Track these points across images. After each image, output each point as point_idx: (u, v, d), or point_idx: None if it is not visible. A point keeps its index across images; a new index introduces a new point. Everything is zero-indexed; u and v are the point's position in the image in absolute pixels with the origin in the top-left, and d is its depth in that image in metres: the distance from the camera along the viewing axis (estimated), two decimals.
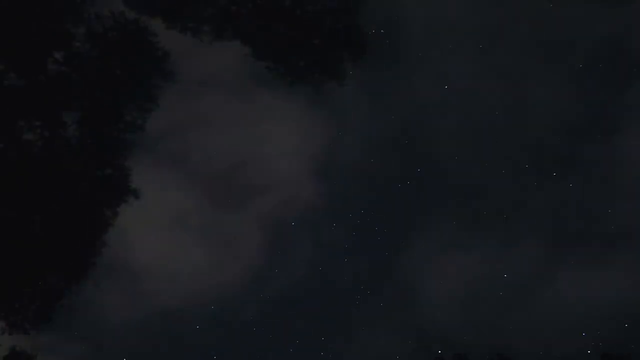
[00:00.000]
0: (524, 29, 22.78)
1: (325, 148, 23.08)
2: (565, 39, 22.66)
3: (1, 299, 14.62)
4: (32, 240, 14.64)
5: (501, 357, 17.42)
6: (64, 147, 14.99)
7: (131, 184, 15.49)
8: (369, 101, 23.00)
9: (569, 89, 22.40)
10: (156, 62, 15.38)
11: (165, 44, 15.41)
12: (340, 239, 22.08)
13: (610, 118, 22.04)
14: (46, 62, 14.67)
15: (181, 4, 15.09)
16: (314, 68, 15.49)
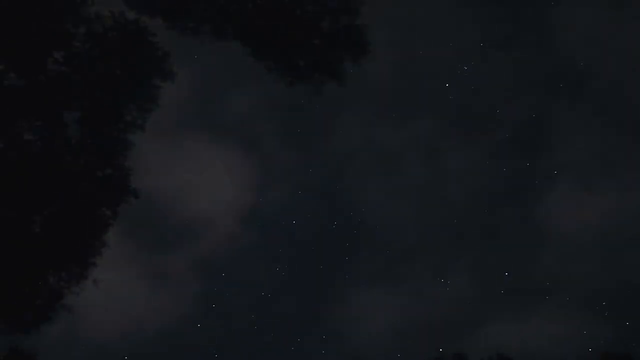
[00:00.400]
0: (445, 100, 23.32)
1: (254, 194, 23.40)
2: (484, 111, 23.20)
3: (1, 299, 14.62)
4: (32, 240, 14.64)
5: (501, 357, 17.43)
6: (64, 147, 14.99)
7: (131, 184, 15.50)
8: (297, 150, 23.40)
9: (488, 157, 23.04)
10: (156, 62, 15.38)
11: (165, 44, 15.42)
12: (271, 281, 22.32)
13: (529, 186, 22.69)
14: (46, 62, 14.66)
15: (181, 4, 15.08)
16: (314, 68, 15.49)
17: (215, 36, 15.45)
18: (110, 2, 15.04)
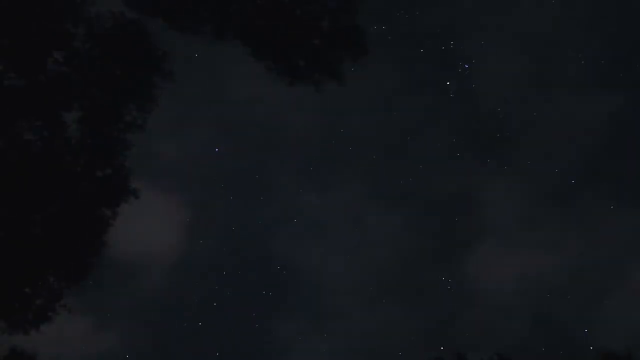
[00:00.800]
0: (362, 170, 24.33)
1: (182, 242, 23.84)
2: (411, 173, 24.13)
3: (1, 299, 14.62)
4: (32, 240, 14.64)
5: (501, 357, 17.44)
6: (64, 147, 14.99)
7: (131, 184, 15.50)
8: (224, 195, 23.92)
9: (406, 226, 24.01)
10: (156, 62, 15.38)
11: (165, 44, 15.42)
12: (201, 326, 22.67)
13: (454, 245, 23.83)
14: (46, 62, 14.67)
15: (181, 4, 15.09)
16: (314, 68, 15.49)
17: (215, 36, 15.45)
18: (110, 2, 15.06)
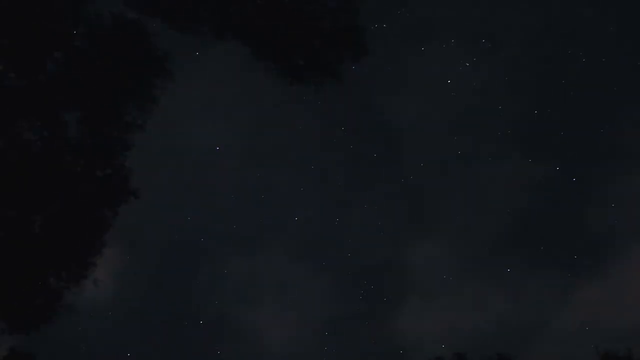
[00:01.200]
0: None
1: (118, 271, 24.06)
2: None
3: (1, 299, 14.63)
4: (32, 240, 14.65)
5: (501, 357, 17.45)
6: (64, 147, 14.99)
7: (131, 184, 15.51)
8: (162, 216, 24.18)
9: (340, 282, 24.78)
10: (156, 62, 15.38)
11: (165, 44, 15.43)
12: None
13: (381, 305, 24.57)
14: (46, 62, 14.67)
15: (181, 4, 15.09)
16: (314, 68, 15.50)
17: (215, 36, 15.46)
18: (110, 2, 15.06)
